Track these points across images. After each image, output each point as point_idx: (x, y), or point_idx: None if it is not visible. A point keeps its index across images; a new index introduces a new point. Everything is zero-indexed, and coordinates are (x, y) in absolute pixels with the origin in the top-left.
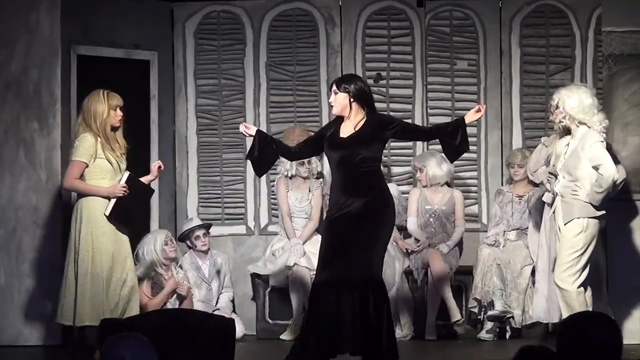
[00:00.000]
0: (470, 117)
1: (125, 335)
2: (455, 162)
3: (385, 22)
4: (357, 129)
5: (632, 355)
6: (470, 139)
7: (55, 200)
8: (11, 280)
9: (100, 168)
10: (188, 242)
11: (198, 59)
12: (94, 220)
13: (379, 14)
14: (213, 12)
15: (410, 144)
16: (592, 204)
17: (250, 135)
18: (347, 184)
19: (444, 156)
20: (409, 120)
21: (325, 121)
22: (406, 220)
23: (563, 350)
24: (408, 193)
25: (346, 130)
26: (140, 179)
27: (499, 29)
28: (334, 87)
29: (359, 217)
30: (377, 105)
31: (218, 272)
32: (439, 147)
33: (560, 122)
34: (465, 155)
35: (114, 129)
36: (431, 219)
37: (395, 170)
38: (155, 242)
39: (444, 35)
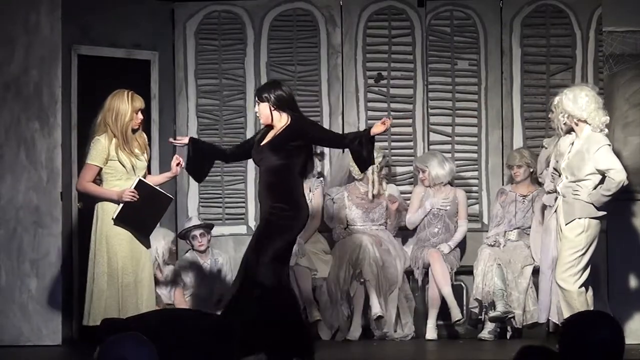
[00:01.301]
0: (375, 129)
1: (125, 335)
2: (456, 162)
3: (386, 22)
4: (274, 135)
5: (633, 355)
6: (470, 139)
7: (56, 200)
8: (12, 280)
9: (115, 170)
10: (187, 241)
11: (199, 58)
12: (108, 222)
13: (380, 13)
14: (214, 12)
15: (410, 143)
16: (593, 204)
17: (185, 145)
18: (261, 188)
19: (445, 156)
20: (409, 120)
21: (325, 121)
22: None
23: (565, 350)
24: (409, 193)
25: (269, 136)
26: (159, 176)
27: (500, 28)
28: (256, 98)
29: (261, 224)
30: (377, 105)
31: (219, 271)
32: (440, 147)
33: (560, 121)
34: (466, 155)
35: (133, 130)
36: (434, 219)
37: (395, 170)
38: (168, 241)
39: (444, 35)
